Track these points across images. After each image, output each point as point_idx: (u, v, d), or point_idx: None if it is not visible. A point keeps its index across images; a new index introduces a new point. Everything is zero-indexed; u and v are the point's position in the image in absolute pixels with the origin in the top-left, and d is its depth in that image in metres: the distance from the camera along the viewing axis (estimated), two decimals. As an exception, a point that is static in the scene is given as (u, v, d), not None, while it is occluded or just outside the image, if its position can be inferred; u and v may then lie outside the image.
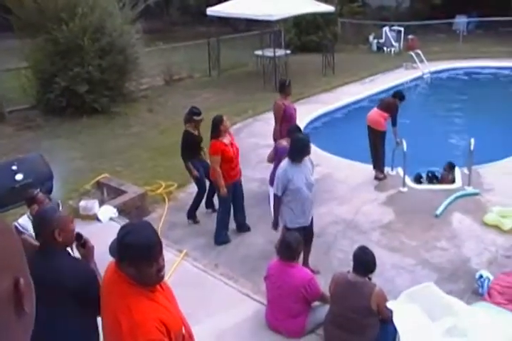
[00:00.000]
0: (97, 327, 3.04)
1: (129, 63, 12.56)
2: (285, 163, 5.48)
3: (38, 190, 5.29)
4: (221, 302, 5.24)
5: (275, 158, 6.61)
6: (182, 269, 5.86)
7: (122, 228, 2.44)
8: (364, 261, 4.31)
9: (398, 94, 8.36)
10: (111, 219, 6.86)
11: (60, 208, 3.26)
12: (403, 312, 3.23)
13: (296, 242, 4.74)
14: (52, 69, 11.71)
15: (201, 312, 5.05)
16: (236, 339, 4.77)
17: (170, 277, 5.58)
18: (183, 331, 2.54)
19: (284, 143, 6.41)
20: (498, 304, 3.26)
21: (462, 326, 2.96)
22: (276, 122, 7.62)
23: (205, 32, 16.10)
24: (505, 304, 3.27)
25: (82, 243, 3.26)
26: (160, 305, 2.42)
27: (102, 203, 7.23)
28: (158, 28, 23.78)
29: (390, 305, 3.43)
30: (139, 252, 2.33)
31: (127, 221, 6.13)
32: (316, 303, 4.81)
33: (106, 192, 7.75)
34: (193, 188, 8.03)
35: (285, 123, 7.38)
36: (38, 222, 3.09)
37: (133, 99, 13.10)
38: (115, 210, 6.95)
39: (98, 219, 6.83)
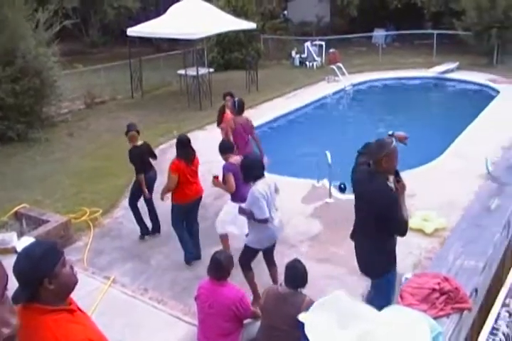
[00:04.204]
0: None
1: (46, 87, 12.13)
2: None
3: None
4: (151, 327, 5.12)
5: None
6: (110, 297, 5.70)
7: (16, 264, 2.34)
8: (295, 274, 4.28)
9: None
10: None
11: None
12: (314, 322, 3.21)
13: (227, 261, 4.65)
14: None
15: (131, 339, 4.87)
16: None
17: (97, 306, 5.37)
18: None
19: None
20: (410, 305, 3.30)
21: (373, 331, 2.97)
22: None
23: (127, 52, 15.85)
24: (416, 305, 3.31)
25: (398, 179, 4.04)
26: (83, 326, 2.39)
27: (21, 235, 6.88)
28: (78, 49, 23.36)
29: (301, 317, 3.40)
30: (51, 256, 2.34)
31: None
32: (248, 320, 4.73)
33: (25, 223, 7.37)
34: (118, 213, 7.82)
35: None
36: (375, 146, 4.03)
37: (52, 124, 12.67)
38: (36, 241, 6.62)
39: (17, 252, 6.47)
